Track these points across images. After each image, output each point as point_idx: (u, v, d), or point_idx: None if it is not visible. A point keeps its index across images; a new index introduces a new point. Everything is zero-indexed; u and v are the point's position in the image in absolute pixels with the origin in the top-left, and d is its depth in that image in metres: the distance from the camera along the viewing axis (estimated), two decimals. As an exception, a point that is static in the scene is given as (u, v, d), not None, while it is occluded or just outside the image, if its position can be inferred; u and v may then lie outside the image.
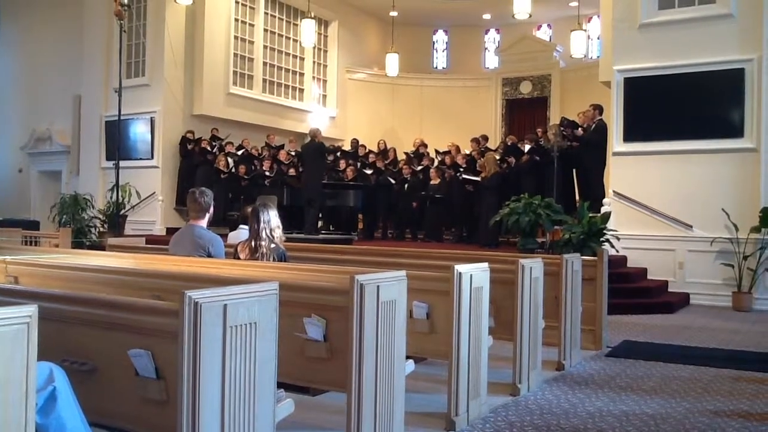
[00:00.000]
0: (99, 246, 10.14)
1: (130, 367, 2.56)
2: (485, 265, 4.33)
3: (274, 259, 4.72)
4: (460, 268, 4.03)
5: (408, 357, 3.81)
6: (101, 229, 12.32)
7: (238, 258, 4.82)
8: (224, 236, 7.30)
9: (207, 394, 2.36)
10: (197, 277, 3.72)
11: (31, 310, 1.92)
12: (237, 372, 2.47)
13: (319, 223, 12.89)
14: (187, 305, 2.32)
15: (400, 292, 3.48)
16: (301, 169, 13.07)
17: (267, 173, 13.44)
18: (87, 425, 2.37)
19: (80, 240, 11.55)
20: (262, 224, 4.69)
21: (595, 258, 6.62)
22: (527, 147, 11.67)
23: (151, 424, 2.57)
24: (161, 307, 2.60)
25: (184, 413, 2.32)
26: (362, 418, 3.23)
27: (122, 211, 12.54)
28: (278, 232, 4.75)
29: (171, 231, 10.95)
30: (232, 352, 2.45)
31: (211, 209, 5.23)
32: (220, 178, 13.42)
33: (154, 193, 13.92)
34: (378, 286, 3.30)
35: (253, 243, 4.72)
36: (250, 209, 5.15)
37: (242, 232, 5.91)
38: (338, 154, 14.40)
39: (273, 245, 4.72)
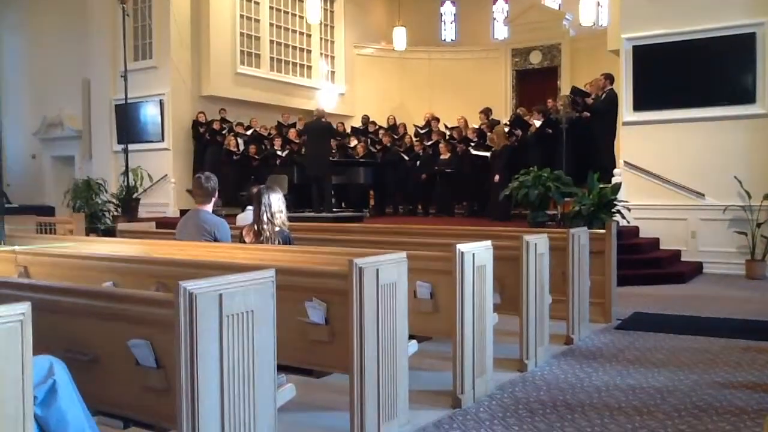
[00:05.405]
0: (113, 230, 10.24)
1: (131, 356, 2.61)
2: (488, 243, 4.32)
3: (279, 242, 4.74)
4: (462, 247, 4.03)
5: (412, 337, 3.84)
6: (115, 213, 12.41)
7: (244, 242, 4.85)
8: (235, 217, 7.37)
9: (205, 382, 2.39)
10: (201, 264, 3.76)
11: (24, 307, 1.95)
12: (235, 359, 2.50)
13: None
14: (182, 296, 2.35)
15: (400, 274, 3.49)
16: (304, 148, 13.04)
17: (278, 152, 13.46)
18: (89, 416, 2.42)
19: (95, 225, 11.65)
20: (263, 208, 4.71)
21: (604, 231, 6.59)
22: (537, 123, 11.50)
23: (153, 412, 2.63)
24: (158, 297, 2.64)
25: (183, 401, 2.36)
26: (365, 399, 3.27)
27: (135, 195, 12.61)
28: (280, 216, 4.76)
29: (184, 213, 10.98)
30: (230, 340, 2.48)
31: (216, 194, 5.29)
32: (232, 159, 13.48)
33: (166, 175, 14.00)
34: (377, 269, 3.32)
35: (256, 227, 4.74)
36: (255, 191, 5.17)
37: (249, 214, 5.94)
38: (347, 132, 14.43)
39: (277, 228, 4.73)
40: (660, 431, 3.64)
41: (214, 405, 2.43)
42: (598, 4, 15.71)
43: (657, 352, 5.34)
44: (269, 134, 14.28)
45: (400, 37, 16.17)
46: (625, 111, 10.36)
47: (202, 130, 14.02)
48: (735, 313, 6.86)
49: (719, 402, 4.09)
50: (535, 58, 17.15)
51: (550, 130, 11.17)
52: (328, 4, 17.07)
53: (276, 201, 4.76)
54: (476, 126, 12.73)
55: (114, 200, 12.68)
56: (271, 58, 15.76)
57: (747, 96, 9.48)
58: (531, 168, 9.43)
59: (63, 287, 2.92)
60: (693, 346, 5.52)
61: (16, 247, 4.53)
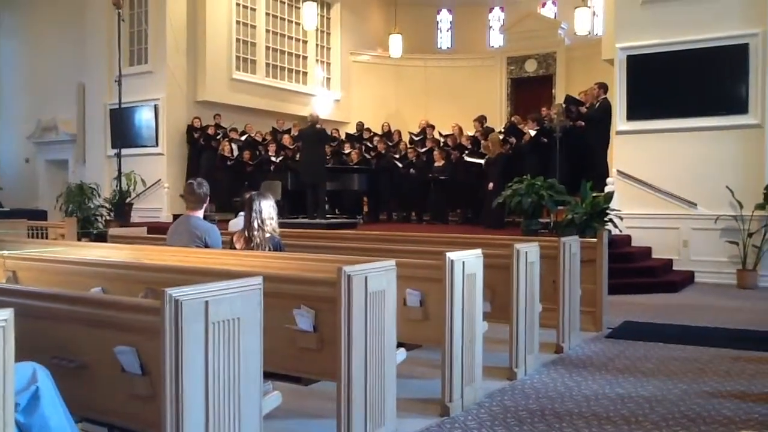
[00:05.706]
0: (106, 234, 10.21)
1: (117, 363, 2.59)
2: (478, 251, 4.33)
3: (269, 249, 4.74)
4: (452, 255, 4.03)
5: (402, 344, 3.84)
6: (107, 218, 12.38)
7: (234, 248, 4.84)
8: (228, 222, 7.37)
9: (190, 390, 2.39)
10: (190, 270, 3.77)
11: (6, 313, 1.94)
12: (221, 367, 2.50)
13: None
14: (167, 303, 2.34)
15: (389, 282, 3.49)
16: (299, 154, 13.03)
17: (273, 158, 13.47)
18: (72, 423, 2.41)
19: (88, 230, 11.61)
20: (253, 214, 4.71)
21: (595, 240, 6.60)
22: (532, 132, 11.50)
23: (139, 419, 2.61)
24: (145, 304, 2.63)
25: (168, 408, 2.35)
26: (352, 407, 3.27)
27: (128, 200, 12.59)
28: (270, 223, 4.75)
29: (177, 218, 11.00)
30: (215, 347, 2.47)
31: (208, 199, 5.29)
32: (226, 165, 13.48)
33: (160, 180, 13.99)
34: (366, 277, 3.32)
35: (246, 233, 4.75)
36: (246, 197, 5.17)
37: (241, 220, 5.94)
38: (342, 139, 14.44)
39: (267, 235, 4.73)
40: (647, 441, 3.65)
41: (199, 412, 2.43)
42: (594, 13, 15.79)
43: (647, 362, 5.35)
44: (264, 140, 14.29)
45: (396, 44, 16.22)
46: (619, 120, 10.40)
47: (196, 135, 14.02)
48: (725, 323, 6.87)
49: (708, 411, 4.10)
50: (530, 67, 17.22)
51: (545, 139, 11.19)
52: (325, 10, 17.11)
53: (267, 207, 4.76)
54: (471, 134, 12.76)
55: (107, 205, 12.65)
56: (267, 64, 15.79)
57: (739, 106, 9.53)
58: (525, 176, 9.44)
59: (50, 293, 2.91)
60: (683, 356, 5.53)
61: (5, 252, 4.52)
